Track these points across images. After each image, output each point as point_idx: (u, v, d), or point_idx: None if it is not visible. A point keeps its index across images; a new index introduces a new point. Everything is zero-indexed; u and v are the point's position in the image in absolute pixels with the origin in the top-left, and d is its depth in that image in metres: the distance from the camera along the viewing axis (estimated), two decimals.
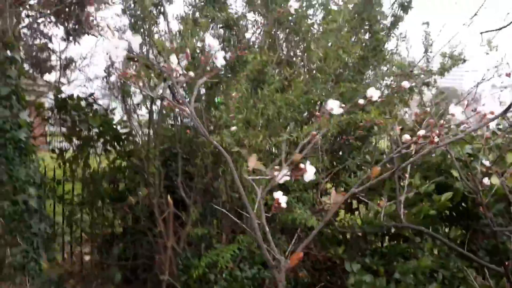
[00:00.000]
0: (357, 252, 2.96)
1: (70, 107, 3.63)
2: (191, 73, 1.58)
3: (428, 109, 2.15)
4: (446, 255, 2.71)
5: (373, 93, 1.64)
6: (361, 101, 2.05)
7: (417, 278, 2.61)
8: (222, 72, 3.46)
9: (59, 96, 3.68)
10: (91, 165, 3.69)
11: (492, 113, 1.55)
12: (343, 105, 1.59)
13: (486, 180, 2.24)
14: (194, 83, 3.36)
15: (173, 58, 1.55)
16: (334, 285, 3.02)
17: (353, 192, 1.62)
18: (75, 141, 3.80)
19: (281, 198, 1.47)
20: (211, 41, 1.59)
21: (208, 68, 1.87)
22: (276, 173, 1.47)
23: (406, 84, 2.26)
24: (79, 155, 3.66)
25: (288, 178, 1.47)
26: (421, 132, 1.54)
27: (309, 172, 1.45)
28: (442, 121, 1.63)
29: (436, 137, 1.51)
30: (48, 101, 4.84)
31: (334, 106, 1.55)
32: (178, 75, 1.57)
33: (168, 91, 3.48)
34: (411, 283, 2.59)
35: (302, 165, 1.44)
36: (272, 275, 1.53)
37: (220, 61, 1.61)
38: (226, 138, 2.72)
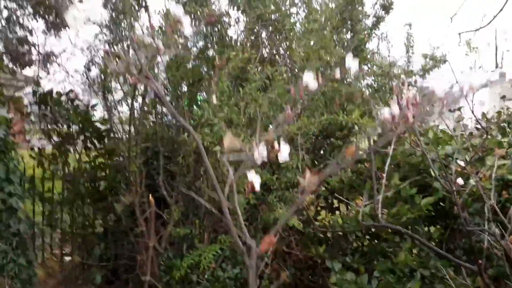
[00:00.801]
0: (338, 251, 2.99)
1: (50, 103, 3.57)
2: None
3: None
4: (426, 254, 2.76)
5: (352, 64, 1.58)
6: (337, 74, 2.02)
7: (397, 275, 2.65)
8: (205, 69, 3.45)
9: (39, 91, 3.60)
10: (70, 163, 3.64)
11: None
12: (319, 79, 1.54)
13: (460, 180, 2.27)
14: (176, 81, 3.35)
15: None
16: (316, 284, 3.05)
17: (328, 174, 1.59)
18: (55, 138, 3.74)
19: (254, 179, 1.41)
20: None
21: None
22: (254, 152, 1.41)
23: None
24: (58, 153, 3.60)
25: (265, 158, 1.42)
26: (396, 110, 1.49)
27: (284, 152, 1.40)
28: (417, 99, 1.59)
29: (411, 116, 1.47)
30: (26, 96, 4.77)
31: (309, 79, 1.49)
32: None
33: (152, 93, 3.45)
34: (390, 281, 2.63)
35: (276, 145, 1.40)
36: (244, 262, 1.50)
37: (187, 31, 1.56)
38: (206, 136, 2.72)
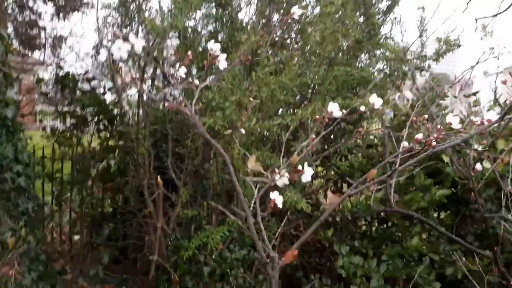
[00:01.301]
0: (346, 235, 2.97)
1: (68, 85, 3.58)
2: (196, 81, 1.58)
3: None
4: (435, 239, 2.73)
5: (376, 101, 1.64)
6: (362, 108, 2.07)
7: (406, 260, 2.63)
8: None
9: (58, 73, 3.61)
10: (84, 144, 3.65)
11: (488, 121, 1.56)
12: (343, 111, 1.61)
13: (478, 166, 2.24)
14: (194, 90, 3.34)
15: (182, 70, 1.54)
16: (323, 267, 3.04)
17: (349, 194, 1.63)
18: (69, 120, 3.76)
19: (277, 198, 1.48)
20: (213, 46, 1.57)
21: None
22: (275, 176, 1.49)
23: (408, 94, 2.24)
24: (73, 134, 3.61)
25: (287, 182, 1.49)
26: (419, 136, 1.55)
27: (307, 174, 1.47)
28: (439, 126, 1.64)
29: (434, 141, 1.52)
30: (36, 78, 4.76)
31: (334, 109, 1.58)
32: (179, 80, 1.56)
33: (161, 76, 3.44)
34: (399, 266, 2.61)
35: (300, 167, 1.47)
36: (266, 271, 1.54)
37: (222, 64, 1.60)
38: (218, 120, 2.70)
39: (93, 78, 3.72)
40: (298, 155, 1.53)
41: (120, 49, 1.39)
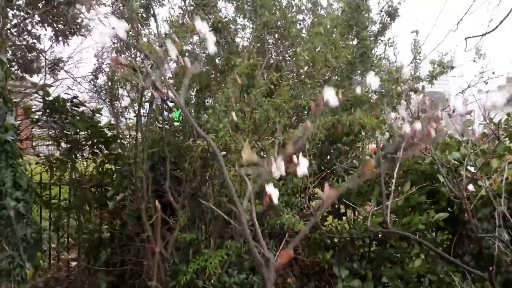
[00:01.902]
0: (345, 257, 2.97)
1: (58, 109, 3.58)
2: (186, 60, 1.51)
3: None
4: (433, 260, 2.74)
5: (372, 81, 1.57)
6: (358, 90, 2.02)
7: (407, 282, 2.64)
8: (212, 75, 3.46)
9: (47, 98, 3.62)
10: (78, 168, 3.65)
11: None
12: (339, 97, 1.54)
13: (470, 187, 2.26)
14: (182, 76, 3.35)
15: (162, 48, 1.49)
16: None
17: (347, 187, 1.58)
18: (63, 144, 3.76)
19: (272, 192, 1.41)
20: (200, 25, 1.51)
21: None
22: (271, 166, 1.42)
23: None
24: (67, 159, 3.61)
25: (283, 172, 1.42)
26: (417, 125, 1.49)
27: (302, 165, 1.40)
28: (439, 114, 1.58)
29: (432, 130, 1.46)
30: (33, 102, 4.79)
31: (330, 96, 1.49)
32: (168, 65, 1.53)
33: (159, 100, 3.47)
34: (399, 287, 2.61)
35: (295, 158, 1.40)
36: (260, 274, 1.50)
37: (211, 48, 1.57)
38: (213, 142, 2.71)
39: (78, 104, 3.72)
40: (293, 144, 1.46)
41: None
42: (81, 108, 3.71)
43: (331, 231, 3.07)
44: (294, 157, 1.40)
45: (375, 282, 2.69)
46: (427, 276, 2.63)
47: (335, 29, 3.10)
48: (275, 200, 1.41)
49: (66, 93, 3.77)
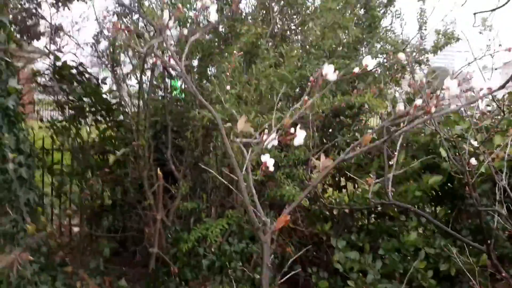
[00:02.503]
0: (343, 228, 3.01)
1: (65, 76, 3.56)
2: (185, 30, 1.51)
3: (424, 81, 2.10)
4: (431, 233, 2.77)
5: (369, 62, 1.57)
6: (356, 70, 1.99)
7: (403, 255, 2.67)
8: (216, 43, 3.41)
9: (56, 64, 3.59)
10: (81, 135, 3.65)
11: (489, 89, 1.50)
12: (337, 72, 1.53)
13: (473, 161, 2.26)
14: (184, 43, 3.31)
15: (165, 13, 1.48)
16: (320, 260, 3.08)
17: (343, 159, 1.59)
18: (67, 110, 3.75)
19: (268, 161, 1.42)
20: None
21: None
22: (265, 136, 1.43)
23: (402, 56, 2.21)
24: (70, 125, 3.61)
25: (276, 142, 1.44)
26: (418, 102, 1.49)
27: (300, 137, 1.41)
28: (438, 92, 1.58)
29: (433, 107, 1.45)
30: (39, 66, 4.75)
31: (329, 71, 1.49)
32: (170, 32, 1.51)
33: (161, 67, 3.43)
34: (396, 260, 2.65)
35: (292, 129, 1.41)
36: (257, 237, 1.52)
37: (213, 16, 1.55)
38: (218, 113, 2.70)
39: (83, 72, 3.69)
40: (291, 117, 1.47)
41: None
42: (86, 75, 3.69)
43: (331, 203, 3.10)
44: (292, 128, 1.41)
45: (372, 254, 2.72)
46: (424, 249, 2.67)
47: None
48: (271, 168, 1.44)
49: (72, 61, 3.73)
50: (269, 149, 1.48)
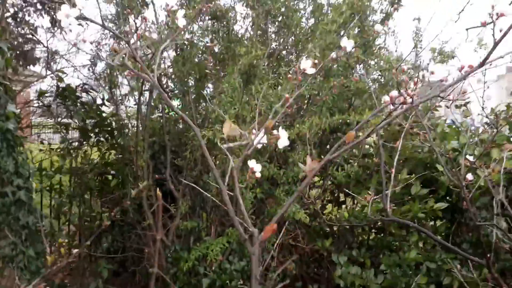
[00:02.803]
0: (344, 244, 3.01)
1: (67, 97, 3.58)
2: (154, 35, 1.53)
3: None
4: (432, 247, 2.77)
5: (347, 44, 1.57)
6: (333, 55, 2.00)
7: (404, 270, 2.67)
8: (211, 64, 3.45)
9: (59, 85, 3.62)
10: (82, 157, 3.67)
11: (470, 66, 1.49)
12: (316, 62, 1.53)
13: (469, 176, 2.28)
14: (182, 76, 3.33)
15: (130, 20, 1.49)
16: (321, 277, 3.07)
17: (328, 159, 1.58)
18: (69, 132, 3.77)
19: (255, 166, 1.42)
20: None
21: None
22: (253, 136, 1.43)
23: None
24: (70, 147, 3.63)
25: (265, 141, 1.43)
26: (394, 93, 1.48)
27: (283, 138, 1.42)
28: (416, 79, 1.56)
29: (408, 97, 1.44)
30: (31, 91, 4.78)
31: (307, 66, 1.50)
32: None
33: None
34: (397, 275, 2.65)
35: (275, 131, 1.41)
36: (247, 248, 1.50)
37: (181, 22, 1.57)
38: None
39: (88, 90, 3.73)
40: (273, 118, 1.47)
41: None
42: (88, 97, 3.73)
43: (330, 220, 3.10)
44: (274, 130, 1.42)
45: (374, 269, 2.72)
46: (425, 264, 2.67)
47: (341, 21, 3.10)
48: (258, 174, 1.44)
49: (78, 83, 3.77)
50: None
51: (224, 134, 1.49)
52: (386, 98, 1.52)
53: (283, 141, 1.39)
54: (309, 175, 1.59)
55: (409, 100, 1.44)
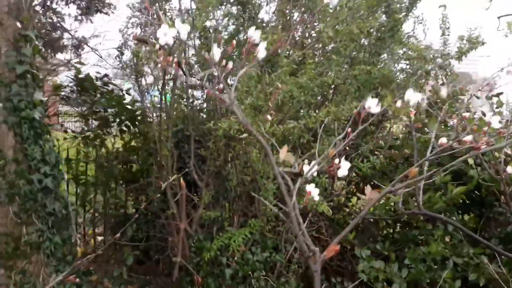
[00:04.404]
0: (368, 238, 2.96)
1: (88, 87, 3.62)
2: (230, 64, 1.55)
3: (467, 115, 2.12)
4: (459, 242, 2.70)
5: (412, 97, 1.55)
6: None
7: (429, 264, 2.61)
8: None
9: (78, 76, 3.65)
10: (106, 145, 3.71)
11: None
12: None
13: (509, 169, 2.19)
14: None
15: (216, 51, 1.50)
16: (344, 269, 3.03)
17: (389, 191, 1.60)
18: (91, 121, 3.81)
19: (313, 190, 1.47)
20: (253, 33, 1.51)
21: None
22: (305, 167, 1.48)
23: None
24: (96, 136, 3.67)
25: (315, 174, 1.49)
26: (468, 138, 1.52)
27: (344, 168, 1.45)
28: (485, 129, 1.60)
29: (484, 144, 1.49)
30: (62, 79, 4.84)
31: (372, 105, 1.52)
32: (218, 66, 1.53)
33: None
34: (422, 269, 2.59)
35: (336, 160, 1.45)
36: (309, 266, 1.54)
37: (261, 54, 1.56)
38: (234, 124, 2.68)
39: (109, 82, 3.75)
40: (334, 148, 1.51)
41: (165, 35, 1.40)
42: (110, 87, 3.75)
43: (355, 212, 3.05)
44: (336, 159, 1.44)
45: (398, 263, 2.66)
46: (452, 259, 2.60)
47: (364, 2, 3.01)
48: (316, 198, 1.51)
49: (97, 72, 3.80)
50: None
51: (281, 159, 1.56)
52: (443, 140, 1.63)
53: (343, 171, 1.44)
54: (368, 203, 1.65)
55: (483, 147, 1.48)
